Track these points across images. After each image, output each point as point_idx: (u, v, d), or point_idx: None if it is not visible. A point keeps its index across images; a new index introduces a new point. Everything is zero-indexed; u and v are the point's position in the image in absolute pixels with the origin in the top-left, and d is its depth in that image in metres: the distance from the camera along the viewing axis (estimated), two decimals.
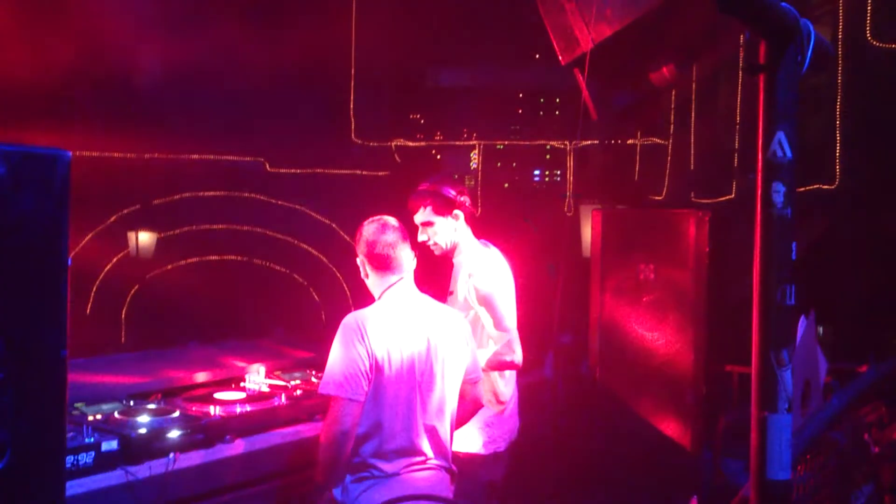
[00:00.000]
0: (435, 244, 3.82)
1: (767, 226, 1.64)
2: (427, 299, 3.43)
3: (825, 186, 8.35)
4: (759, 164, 1.64)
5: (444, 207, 3.78)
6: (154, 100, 11.83)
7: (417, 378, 3.23)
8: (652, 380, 5.07)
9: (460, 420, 3.48)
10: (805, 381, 2.61)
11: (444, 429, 3.32)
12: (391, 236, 3.33)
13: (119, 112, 11.73)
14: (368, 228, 3.37)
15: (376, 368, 3.15)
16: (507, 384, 3.83)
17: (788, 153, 1.63)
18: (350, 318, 3.20)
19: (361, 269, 3.41)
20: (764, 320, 1.65)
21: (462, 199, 3.79)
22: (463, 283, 3.73)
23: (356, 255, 3.42)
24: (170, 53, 11.95)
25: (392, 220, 3.41)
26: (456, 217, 3.80)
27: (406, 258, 3.36)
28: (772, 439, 1.63)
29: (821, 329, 7.57)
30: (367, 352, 3.13)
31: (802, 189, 8.16)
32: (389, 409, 3.19)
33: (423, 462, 3.25)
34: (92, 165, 11.17)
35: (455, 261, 3.89)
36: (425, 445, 3.26)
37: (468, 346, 3.42)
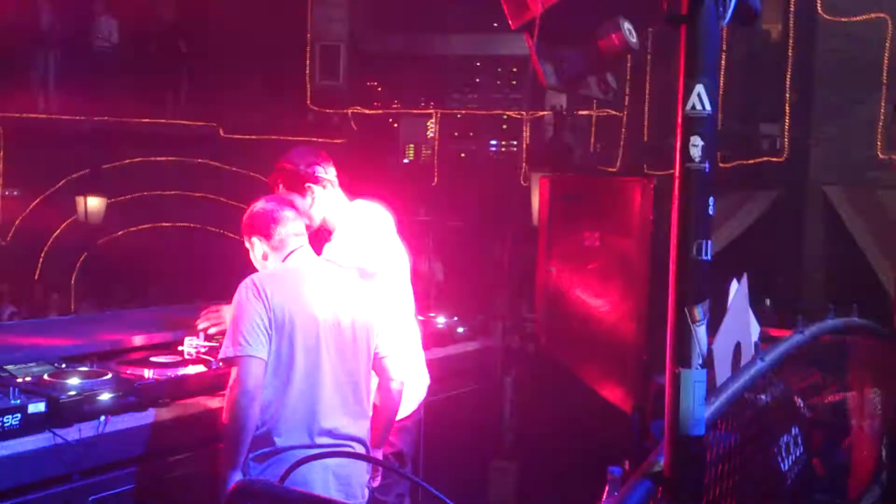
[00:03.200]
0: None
1: (685, 180, 1.62)
2: (330, 266, 3.28)
3: (774, 159, 8.41)
4: (679, 117, 1.62)
5: (295, 184, 3.53)
6: (104, 62, 11.61)
7: (323, 343, 3.04)
8: (597, 346, 5.10)
9: (388, 407, 3.29)
10: (736, 344, 2.62)
11: (355, 401, 3.13)
12: (283, 216, 3.22)
13: (68, 74, 11.50)
14: (260, 217, 3.23)
15: (277, 327, 2.97)
16: None
17: (707, 107, 1.61)
18: (247, 279, 3.05)
19: (256, 252, 3.27)
20: (679, 275, 1.63)
21: (310, 170, 3.52)
22: None
23: (247, 241, 3.29)
24: (122, 14, 11.72)
25: (278, 204, 3.27)
26: (310, 190, 3.53)
27: (299, 229, 3.24)
28: (685, 395, 1.62)
29: (768, 301, 7.68)
30: (266, 307, 2.96)
31: (752, 161, 8.22)
32: (293, 375, 2.99)
33: (331, 434, 3.04)
34: (39, 128, 10.95)
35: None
36: (333, 419, 3.06)
37: (375, 315, 3.24)
